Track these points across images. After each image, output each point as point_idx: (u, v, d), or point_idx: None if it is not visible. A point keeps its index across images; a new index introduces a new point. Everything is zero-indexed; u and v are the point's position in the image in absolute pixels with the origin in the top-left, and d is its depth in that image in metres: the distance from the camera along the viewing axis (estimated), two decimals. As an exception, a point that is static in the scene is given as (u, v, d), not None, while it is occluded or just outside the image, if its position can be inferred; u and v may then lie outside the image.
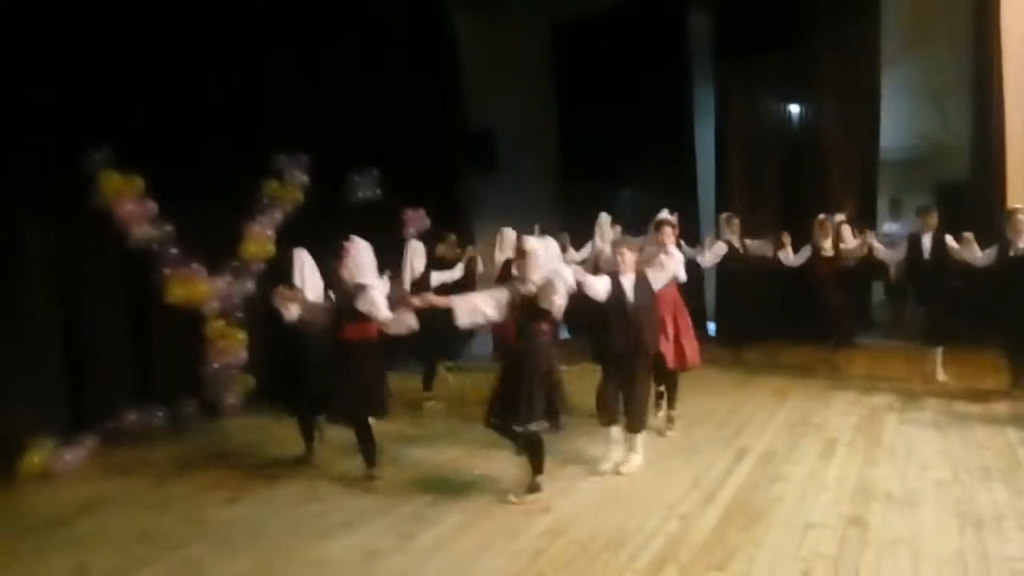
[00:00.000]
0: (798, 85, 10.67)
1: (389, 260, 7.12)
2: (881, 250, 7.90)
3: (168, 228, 6.96)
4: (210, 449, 6.51)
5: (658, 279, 5.49)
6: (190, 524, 4.89)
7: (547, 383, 4.89)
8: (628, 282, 5.35)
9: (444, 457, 5.95)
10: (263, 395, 7.24)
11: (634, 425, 5.45)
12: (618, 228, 7.72)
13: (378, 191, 8.73)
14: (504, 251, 7.70)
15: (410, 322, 5.22)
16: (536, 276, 4.85)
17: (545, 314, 4.87)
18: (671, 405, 6.43)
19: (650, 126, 11.17)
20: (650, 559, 4.05)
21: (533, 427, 4.84)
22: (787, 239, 8.46)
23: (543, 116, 12.18)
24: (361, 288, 5.28)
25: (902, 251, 7.77)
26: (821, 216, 8.38)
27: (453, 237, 9.11)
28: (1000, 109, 9.04)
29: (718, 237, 8.72)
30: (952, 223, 7.49)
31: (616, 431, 5.53)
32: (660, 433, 6.20)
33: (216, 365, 7.24)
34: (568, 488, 5.14)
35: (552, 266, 4.89)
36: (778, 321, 8.97)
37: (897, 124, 10.06)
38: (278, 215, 7.72)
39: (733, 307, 9.28)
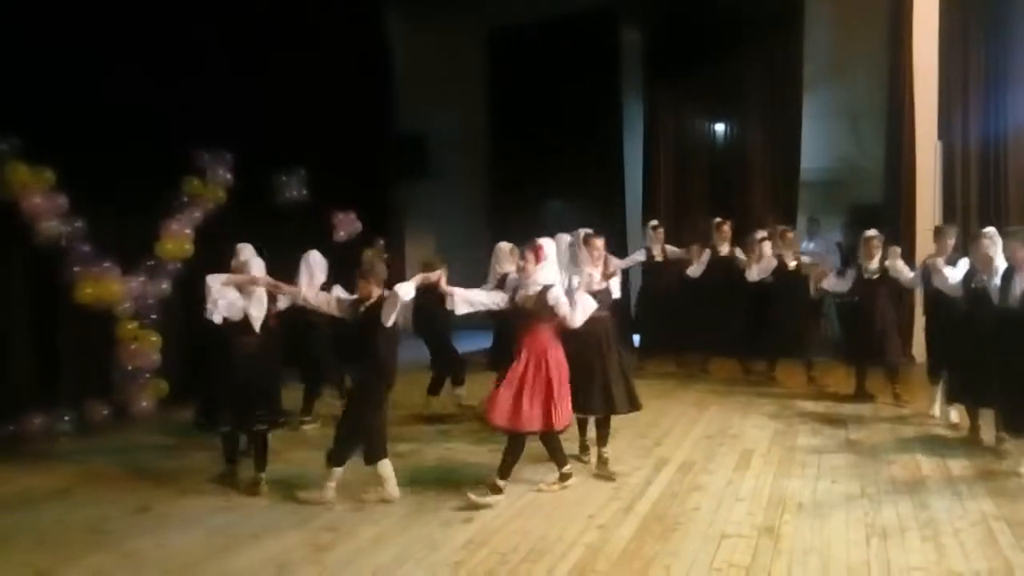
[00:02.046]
0: (724, 104, 11.03)
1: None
2: (904, 271, 7.24)
3: (79, 224, 6.68)
4: (118, 455, 6.25)
5: (388, 312, 4.98)
6: (94, 534, 4.67)
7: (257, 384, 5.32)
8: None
9: (364, 468, 5.81)
10: (176, 400, 7.01)
11: (367, 455, 5.08)
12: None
13: (304, 192, 8.57)
14: (502, 265, 6.87)
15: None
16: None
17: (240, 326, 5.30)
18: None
19: (581, 137, 11.33)
20: (568, 569, 4.06)
21: (259, 426, 5.34)
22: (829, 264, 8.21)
23: (475, 124, 12.18)
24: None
25: (919, 278, 7.03)
26: (869, 233, 7.53)
27: (382, 242, 9.00)
28: (911, 134, 9.50)
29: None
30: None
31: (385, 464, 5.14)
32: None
33: (128, 368, 6.98)
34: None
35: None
36: (703, 332, 9.10)
37: (816, 146, 10.42)
38: (198, 214, 7.50)
39: (659, 317, 9.45)
